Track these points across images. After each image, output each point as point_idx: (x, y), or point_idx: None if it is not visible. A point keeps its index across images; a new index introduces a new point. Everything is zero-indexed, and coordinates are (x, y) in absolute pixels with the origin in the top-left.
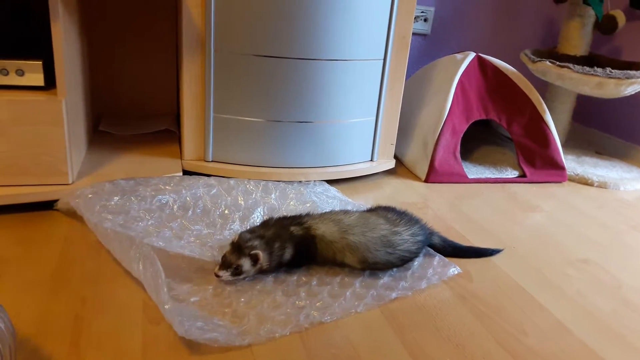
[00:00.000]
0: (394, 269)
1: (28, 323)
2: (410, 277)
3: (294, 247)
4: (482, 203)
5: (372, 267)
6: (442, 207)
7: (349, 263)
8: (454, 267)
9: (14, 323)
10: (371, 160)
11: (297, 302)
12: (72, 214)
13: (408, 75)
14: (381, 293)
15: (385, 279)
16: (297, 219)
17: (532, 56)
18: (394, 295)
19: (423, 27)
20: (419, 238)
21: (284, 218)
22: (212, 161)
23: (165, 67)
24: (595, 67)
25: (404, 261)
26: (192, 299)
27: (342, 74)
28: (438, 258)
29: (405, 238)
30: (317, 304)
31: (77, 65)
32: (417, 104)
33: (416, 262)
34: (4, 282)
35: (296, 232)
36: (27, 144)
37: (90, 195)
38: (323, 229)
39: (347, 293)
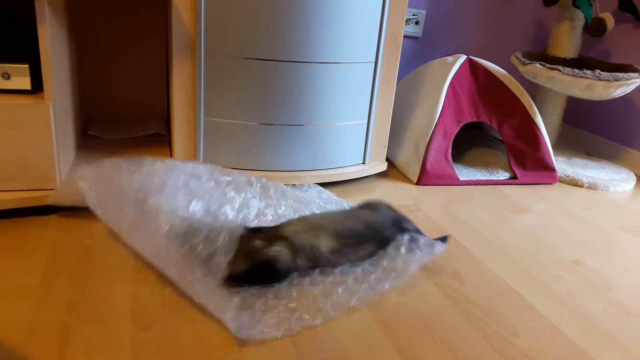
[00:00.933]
0: (383, 261)
1: (15, 331)
2: (401, 264)
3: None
4: (474, 205)
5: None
6: (433, 209)
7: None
8: (441, 245)
9: (0, 331)
10: (363, 163)
11: (289, 305)
12: (58, 220)
13: (399, 78)
14: (374, 285)
15: (376, 274)
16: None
17: (523, 58)
18: (387, 285)
19: (414, 30)
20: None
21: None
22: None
23: (154, 70)
24: (585, 70)
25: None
26: None
27: (334, 77)
28: (423, 240)
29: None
30: (309, 304)
31: (65, 68)
32: (409, 107)
33: (402, 249)
34: None
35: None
36: (13, 149)
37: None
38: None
39: (339, 290)
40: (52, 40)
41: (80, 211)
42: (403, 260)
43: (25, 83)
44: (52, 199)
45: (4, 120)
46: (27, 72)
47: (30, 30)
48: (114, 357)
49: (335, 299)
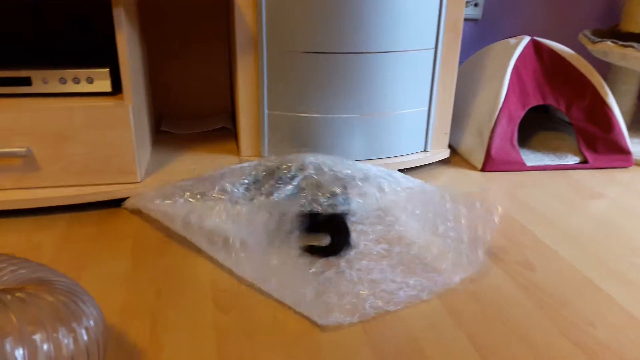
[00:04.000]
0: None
1: (112, 312)
2: (465, 248)
3: None
4: (542, 191)
5: None
6: (500, 197)
7: None
8: (497, 214)
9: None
10: (425, 150)
11: (360, 292)
12: (140, 212)
13: (460, 62)
14: (444, 279)
15: (445, 265)
16: None
17: (592, 37)
18: (457, 278)
19: (474, 12)
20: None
21: None
22: (268, 157)
23: (218, 68)
24: None
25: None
26: None
27: (393, 66)
28: (478, 204)
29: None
30: (382, 293)
31: (140, 69)
32: (471, 92)
33: (463, 220)
34: (88, 276)
35: None
36: (99, 147)
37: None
38: None
39: (411, 281)
40: (129, 45)
41: None
42: (468, 239)
43: (106, 86)
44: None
45: (89, 121)
46: (108, 75)
47: (107, 36)
48: (199, 336)
49: (407, 289)
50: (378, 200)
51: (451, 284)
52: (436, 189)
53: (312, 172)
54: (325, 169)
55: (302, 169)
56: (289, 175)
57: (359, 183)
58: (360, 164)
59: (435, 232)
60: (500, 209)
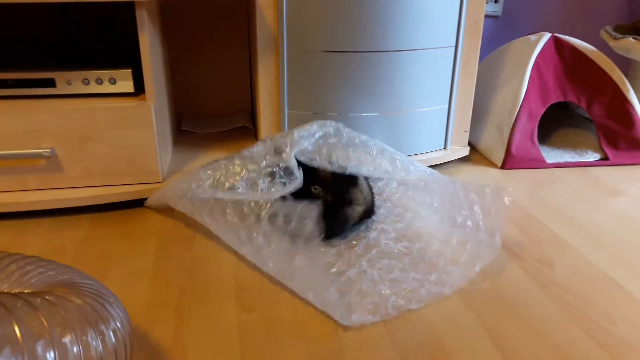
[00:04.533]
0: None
1: (135, 312)
2: (484, 236)
3: None
4: (562, 188)
5: None
6: (520, 194)
7: None
8: (507, 196)
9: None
10: (444, 148)
11: (382, 291)
12: (163, 210)
13: (480, 59)
14: (463, 270)
15: (465, 256)
16: None
17: (614, 33)
18: (477, 268)
19: (494, 9)
20: None
21: None
22: None
23: (238, 68)
24: None
25: None
26: None
27: (413, 64)
28: (488, 190)
29: None
30: (403, 292)
31: (161, 70)
32: (491, 89)
33: (476, 207)
34: (112, 275)
35: None
36: (122, 147)
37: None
38: None
39: (432, 277)
40: (151, 46)
41: None
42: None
43: (128, 86)
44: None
45: (113, 122)
46: (130, 76)
47: (129, 36)
48: (223, 335)
49: (428, 286)
50: (389, 173)
51: (472, 275)
52: (447, 178)
53: (331, 131)
54: (344, 134)
55: (322, 125)
56: (305, 134)
57: (373, 153)
58: (379, 141)
59: (454, 223)
60: (510, 189)
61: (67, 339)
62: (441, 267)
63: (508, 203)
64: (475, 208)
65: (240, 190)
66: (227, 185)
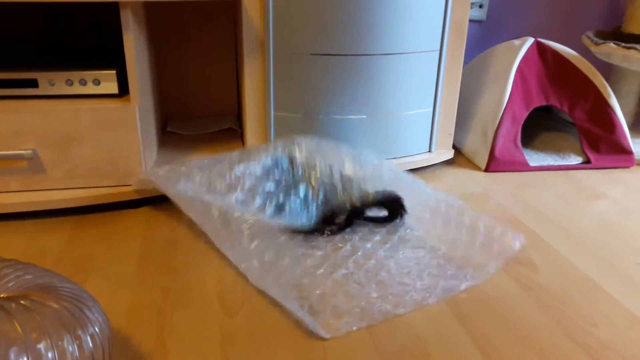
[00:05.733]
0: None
1: (117, 315)
2: (477, 263)
3: None
4: (545, 191)
5: None
6: (504, 197)
7: None
8: (518, 237)
9: (106, 315)
10: (429, 151)
11: (371, 295)
12: (147, 213)
13: (464, 63)
14: (450, 284)
15: (451, 270)
16: None
17: (595, 38)
18: (463, 286)
19: (478, 14)
20: None
21: None
22: None
23: (225, 69)
24: None
25: None
26: None
27: (398, 67)
28: (500, 229)
29: None
30: (389, 296)
31: (147, 71)
32: (475, 93)
33: (478, 240)
34: (94, 278)
35: None
36: (105, 149)
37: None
38: None
39: (417, 284)
40: (136, 46)
41: (165, 205)
42: (479, 254)
43: (113, 88)
44: (135, 185)
45: (96, 123)
46: (114, 77)
47: (114, 37)
48: (205, 340)
49: (414, 295)
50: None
51: (458, 289)
52: (462, 205)
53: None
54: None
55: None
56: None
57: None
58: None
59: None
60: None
61: (41, 345)
62: (424, 278)
63: (517, 249)
64: (479, 239)
65: (235, 199)
66: (219, 187)
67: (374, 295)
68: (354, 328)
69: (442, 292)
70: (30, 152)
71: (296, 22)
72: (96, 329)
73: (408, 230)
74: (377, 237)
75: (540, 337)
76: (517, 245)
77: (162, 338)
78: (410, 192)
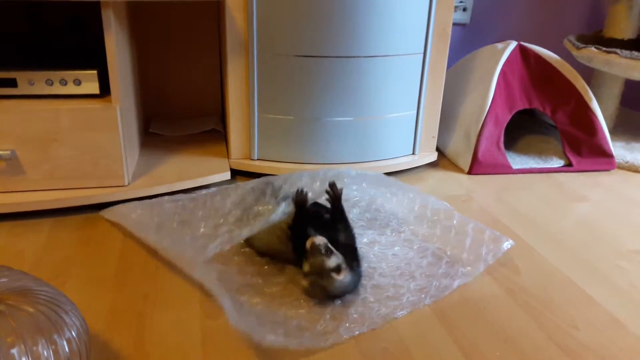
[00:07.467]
0: (447, 249)
1: (96, 318)
2: (467, 261)
3: None
4: (528, 194)
5: None
6: (486, 199)
7: None
8: (507, 241)
9: (85, 318)
10: (413, 153)
11: (367, 299)
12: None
13: (448, 67)
14: (443, 283)
15: (443, 268)
16: None
17: (577, 42)
18: (455, 284)
19: (462, 17)
20: None
21: None
22: (257, 159)
23: (209, 70)
24: None
25: None
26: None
27: (382, 70)
28: (488, 232)
29: None
30: (386, 300)
31: (129, 71)
32: (459, 96)
33: (468, 241)
34: (73, 281)
35: None
36: (86, 149)
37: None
38: None
39: (412, 285)
40: (118, 47)
41: None
42: (468, 257)
43: (94, 88)
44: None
45: (77, 124)
46: (96, 77)
47: (95, 37)
48: (185, 344)
49: (410, 297)
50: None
51: (449, 290)
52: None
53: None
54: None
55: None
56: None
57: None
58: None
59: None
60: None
61: (15, 350)
62: (417, 279)
63: (505, 249)
64: (467, 241)
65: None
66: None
67: (371, 299)
68: (357, 333)
69: (437, 292)
70: (8, 152)
71: (280, 24)
72: (73, 334)
73: (395, 233)
74: (365, 240)
75: (522, 339)
76: (507, 246)
77: (142, 341)
78: (396, 194)
